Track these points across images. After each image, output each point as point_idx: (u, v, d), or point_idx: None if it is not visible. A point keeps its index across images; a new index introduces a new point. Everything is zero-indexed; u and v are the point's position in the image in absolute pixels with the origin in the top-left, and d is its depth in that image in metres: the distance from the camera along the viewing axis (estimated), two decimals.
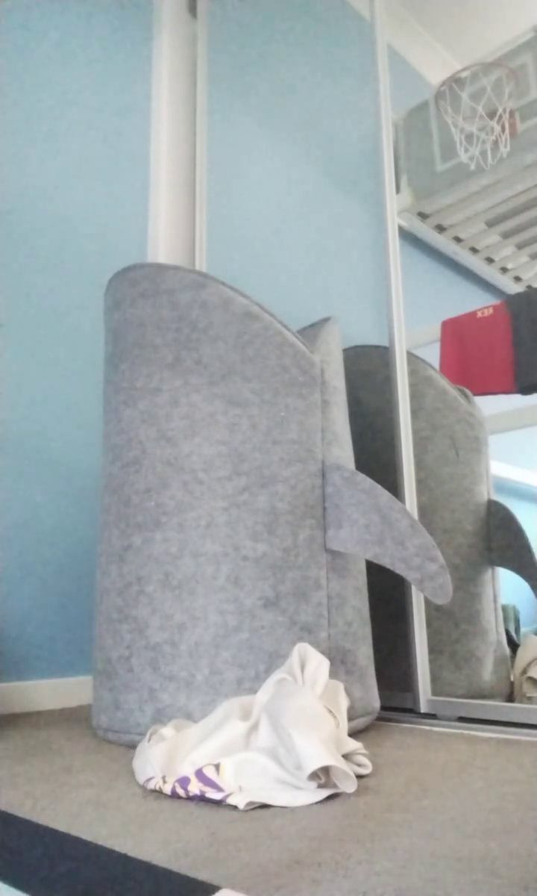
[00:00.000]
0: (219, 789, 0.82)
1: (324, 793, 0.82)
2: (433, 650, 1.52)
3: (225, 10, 2.32)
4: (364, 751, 0.94)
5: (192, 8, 2.31)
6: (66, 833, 0.71)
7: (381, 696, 1.49)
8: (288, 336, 1.28)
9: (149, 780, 0.87)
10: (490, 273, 2.41)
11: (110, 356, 1.36)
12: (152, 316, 1.29)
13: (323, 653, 1.17)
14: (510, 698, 1.62)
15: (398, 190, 2.19)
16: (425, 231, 2.28)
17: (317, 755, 0.81)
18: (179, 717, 1.10)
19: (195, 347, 1.25)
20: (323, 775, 0.84)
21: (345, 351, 1.85)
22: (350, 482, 1.24)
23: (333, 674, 1.18)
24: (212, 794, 0.81)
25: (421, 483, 1.63)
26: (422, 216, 2.24)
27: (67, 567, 1.66)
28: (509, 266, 2.39)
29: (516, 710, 1.25)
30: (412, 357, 1.71)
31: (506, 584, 1.70)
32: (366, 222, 2.56)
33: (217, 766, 0.85)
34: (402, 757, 1.03)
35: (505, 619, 1.72)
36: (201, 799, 0.82)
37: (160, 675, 1.12)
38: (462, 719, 1.32)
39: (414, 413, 1.68)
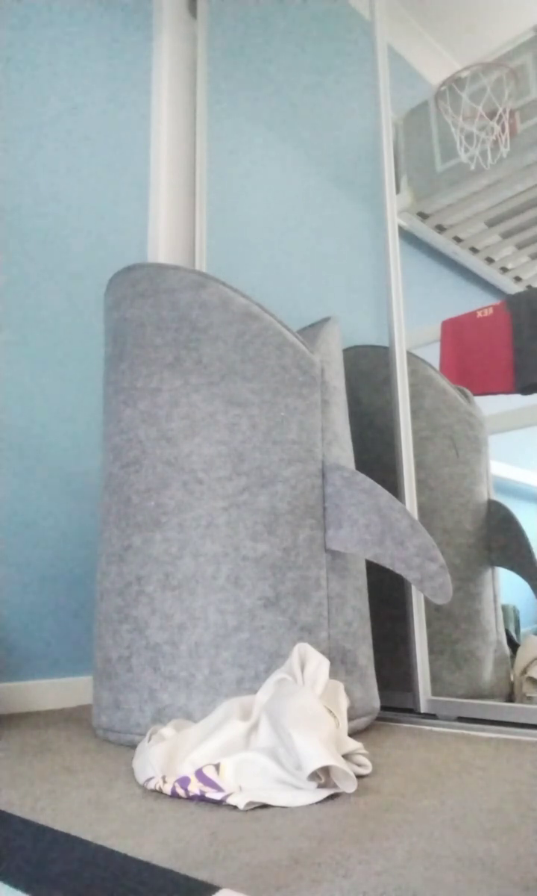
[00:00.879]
0: (219, 789, 0.82)
1: (324, 793, 0.82)
2: (433, 650, 1.52)
3: (225, 10, 2.32)
4: (364, 751, 0.94)
5: (192, 8, 2.31)
6: (66, 833, 0.71)
7: (381, 696, 1.49)
8: (288, 336, 1.28)
9: (149, 780, 0.87)
10: (490, 273, 2.40)
11: (110, 356, 1.36)
12: (152, 316, 1.29)
13: (323, 653, 1.17)
14: (510, 698, 1.62)
15: (398, 190, 2.19)
16: (425, 231, 2.28)
17: (317, 755, 0.81)
18: (179, 717, 1.10)
19: (195, 347, 1.25)
20: (323, 775, 0.84)
21: (345, 351, 1.85)
22: (350, 482, 1.24)
23: (333, 674, 1.18)
24: (212, 794, 0.81)
25: (421, 483, 1.63)
26: (422, 216, 2.23)
27: (67, 567, 1.66)
28: (509, 266, 2.39)
29: (516, 710, 1.25)
30: (412, 357, 1.71)
31: (506, 584, 1.70)
32: (366, 222, 2.56)
33: (217, 766, 0.85)
34: (402, 757, 1.03)
35: (505, 619, 1.72)
36: (201, 799, 0.82)
37: (160, 675, 1.12)
38: (462, 719, 1.32)
39: (414, 413, 1.68)
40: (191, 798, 0.83)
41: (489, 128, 2.00)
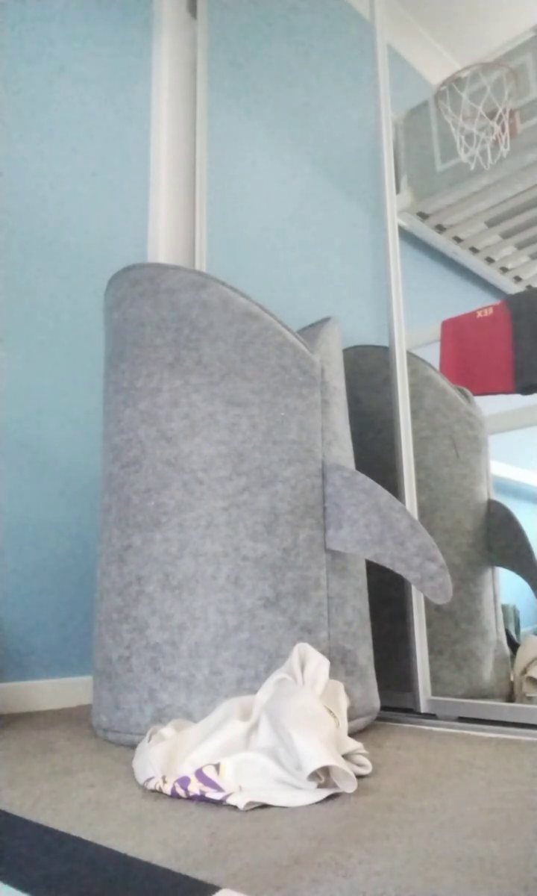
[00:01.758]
0: (219, 789, 0.82)
1: (324, 793, 0.82)
2: (433, 650, 1.52)
3: (225, 10, 2.32)
4: (364, 751, 0.94)
5: (192, 8, 2.31)
6: (66, 833, 0.71)
7: (381, 696, 1.49)
8: (288, 336, 1.28)
9: (149, 780, 0.87)
10: (490, 273, 2.40)
11: (110, 356, 1.36)
12: (152, 316, 1.29)
13: (323, 653, 1.17)
14: (510, 698, 1.62)
15: (398, 190, 2.19)
16: (425, 231, 2.28)
17: (317, 755, 0.81)
18: (179, 717, 1.10)
19: (195, 347, 1.25)
20: (323, 775, 0.84)
21: (345, 351, 1.85)
22: (350, 482, 1.24)
23: (333, 674, 1.18)
24: (212, 794, 0.81)
25: (421, 483, 1.63)
26: (422, 216, 2.23)
27: (67, 567, 1.66)
28: (509, 266, 2.39)
29: (516, 710, 1.25)
30: (412, 357, 1.71)
31: (506, 584, 1.70)
32: (366, 222, 2.56)
33: (217, 766, 0.85)
34: (402, 757, 1.03)
35: (505, 619, 1.72)
36: (201, 799, 0.82)
37: (160, 675, 1.12)
38: (462, 719, 1.32)
39: (415, 413, 1.68)
40: (191, 798, 0.83)
41: (489, 128, 2.00)
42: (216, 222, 2.13)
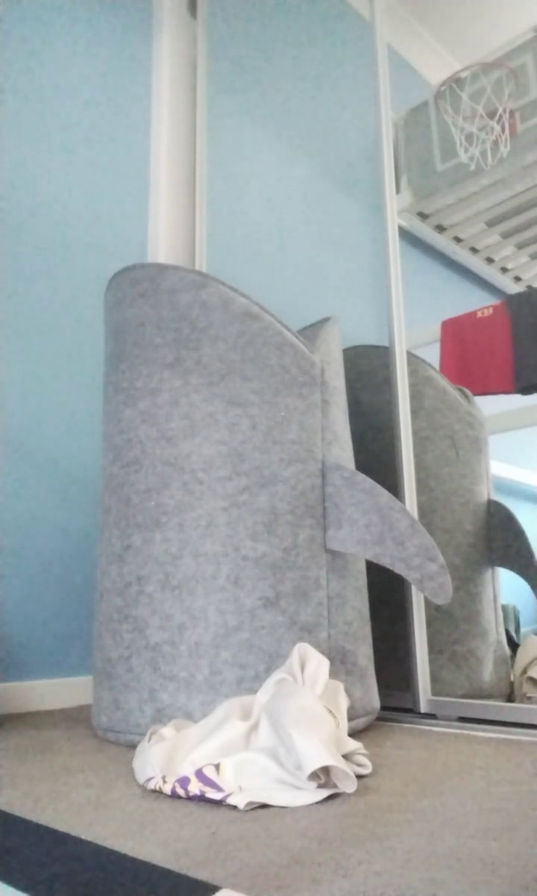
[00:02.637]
0: (219, 789, 0.82)
1: (324, 793, 0.82)
2: (433, 650, 1.52)
3: (225, 10, 2.32)
4: (364, 751, 0.94)
5: (192, 8, 2.31)
6: (66, 833, 0.71)
7: (381, 696, 1.49)
8: (288, 336, 1.28)
9: (149, 780, 0.87)
10: (490, 273, 2.40)
11: (110, 356, 1.36)
12: (152, 316, 1.29)
13: (323, 653, 1.17)
14: (510, 698, 1.62)
15: (398, 190, 2.19)
16: (425, 231, 2.28)
17: (317, 755, 0.81)
18: (179, 717, 1.10)
19: (195, 347, 1.25)
20: (323, 775, 0.84)
21: (345, 351, 1.85)
22: (350, 482, 1.24)
23: (333, 674, 1.18)
24: (212, 794, 0.81)
25: (421, 483, 1.63)
26: (422, 216, 2.23)
27: (67, 567, 1.66)
28: (509, 266, 2.39)
29: (516, 710, 1.25)
30: (412, 357, 1.71)
31: (506, 584, 1.70)
32: (366, 222, 2.56)
33: (217, 766, 0.85)
34: (402, 757, 1.03)
35: (505, 619, 1.72)
36: (201, 799, 0.82)
37: (160, 675, 1.12)
38: (462, 719, 1.32)
39: (415, 413, 1.68)
40: (191, 798, 0.83)
41: (489, 128, 2.00)
42: (216, 222, 2.13)
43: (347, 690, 1.18)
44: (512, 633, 1.77)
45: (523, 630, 1.81)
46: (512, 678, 1.64)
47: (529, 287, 2.42)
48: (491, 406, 1.80)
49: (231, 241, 2.16)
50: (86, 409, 1.77)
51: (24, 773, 0.96)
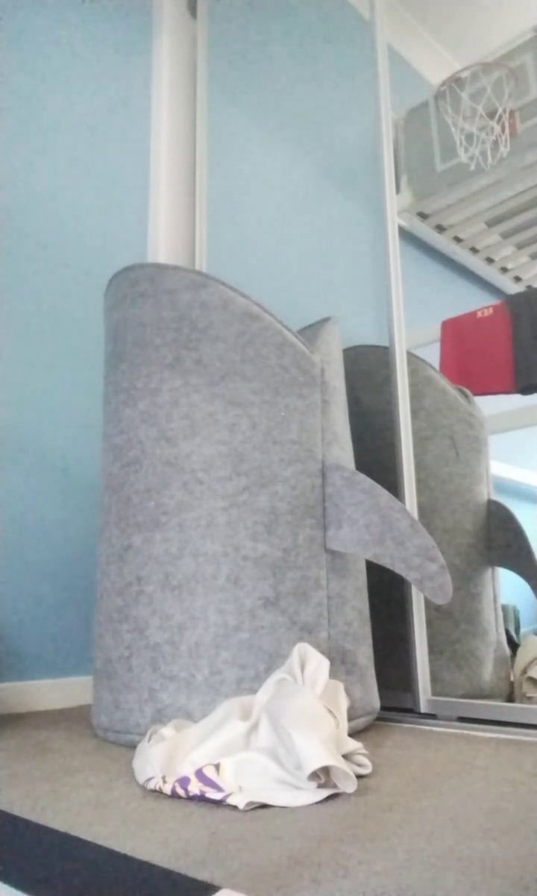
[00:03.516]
0: (219, 789, 0.82)
1: (324, 793, 0.82)
2: (433, 650, 1.52)
3: (225, 10, 2.32)
4: (364, 751, 0.94)
5: (192, 8, 2.31)
6: (66, 833, 0.71)
7: (381, 696, 1.49)
8: (288, 336, 1.28)
9: (149, 780, 0.87)
10: (490, 273, 2.40)
11: (110, 356, 1.36)
12: (152, 316, 1.29)
13: (323, 653, 1.17)
14: (510, 698, 1.62)
15: (398, 190, 2.19)
16: (425, 231, 2.28)
17: (317, 755, 0.81)
18: (179, 717, 1.10)
19: (195, 347, 1.25)
20: (323, 775, 0.84)
21: (345, 351, 1.85)
22: (350, 482, 1.24)
23: (333, 674, 1.18)
24: (212, 794, 0.81)
25: (421, 483, 1.63)
26: (422, 216, 2.23)
27: (67, 567, 1.66)
28: (509, 266, 2.39)
29: (516, 710, 1.25)
30: (412, 357, 1.71)
31: (506, 584, 1.70)
32: (366, 222, 2.56)
33: (217, 766, 0.85)
34: (402, 757, 1.03)
35: (505, 619, 1.72)
36: (201, 799, 0.82)
37: (160, 675, 1.12)
38: (462, 719, 1.32)
39: (415, 413, 1.68)
40: (191, 798, 0.83)
41: (489, 128, 2.00)
42: (216, 222, 2.13)
43: (347, 690, 1.18)
44: (512, 633, 1.77)
45: (523, 630, 1.81)
46: (512, 678, 1.64)
47: (529, 287, 2.42)
48: (491, 406, 1.80)
49: (231, 241, 2.16)
50: (86, 409, 1.77)
51: (24, 773, 0.96)
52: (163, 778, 0.86)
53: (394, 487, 1.52)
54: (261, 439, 1.21)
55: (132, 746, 1.13)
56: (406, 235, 2.27)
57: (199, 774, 0.84)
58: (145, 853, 0.65)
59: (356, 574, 1.30)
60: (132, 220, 2.00)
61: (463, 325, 1.87)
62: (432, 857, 0.62)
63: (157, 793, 0.86)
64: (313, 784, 0.83)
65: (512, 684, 1.64)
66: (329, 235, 2.44)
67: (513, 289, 2.42)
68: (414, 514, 1.49)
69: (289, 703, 0.90)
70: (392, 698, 1.48)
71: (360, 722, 1.21)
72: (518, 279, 2.41)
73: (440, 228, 2.28)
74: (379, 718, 1.38)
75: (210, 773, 0.84)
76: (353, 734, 1.20)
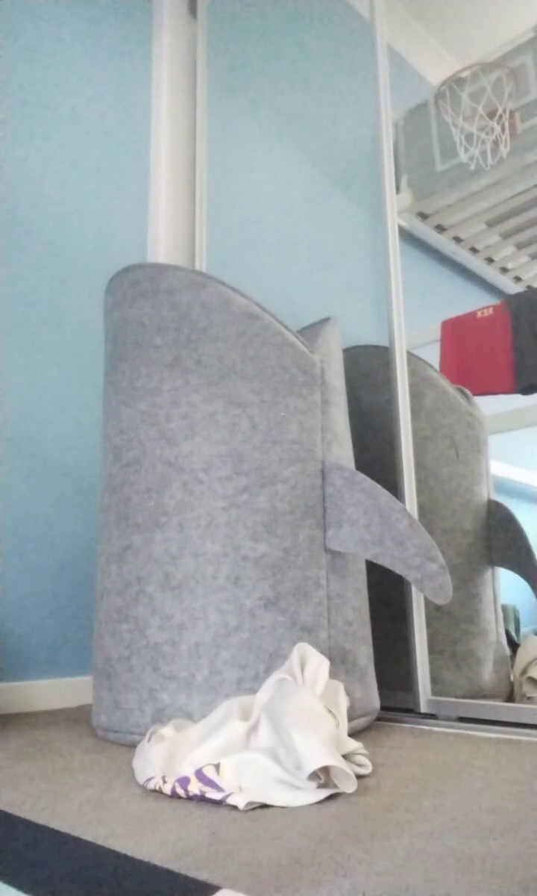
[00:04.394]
0: (219, 789, 0.82)
1: (324, 793, 0.82)
2: (433, 650, 1.52)
3: (225, 10, 2.32)
4: (364, 751, 0.94)
5: (192, 8, 2.31)
6: (66, 833, 0.71)
7: (381, 696, 1.49)
8: (288, 336, 1.28)
9: (149, 780, 0.87)
10: (490, 273, 2.40)
11: (110, 356, 1.36)
12: (152, 316, 1.29)
13: (323, 653, 1.17)
14: (510, 698, 1.62)
15: (398, 190, 2.19)
16: (425, 231, 2.28)
17: (317, 755, 0.81)
18: (179, 717, 1.10)
19: (195, 347, 1.25)
20: (323, 775, 0.84)
21: (345, 351, 1.85)
22: (350, 482, 1.24)
23: (333, 674, 1.18)
24: (212, 794, 0.81)
25: (421, 483, 1.63)
26: (422, 216, 2.23)
27: (67, 567, 1.66)
28: (509, 266, 2.39)
29: (516, 710, 1.25)
30: (412, 357, 1.71)
31: (506, 584, 1.70)
32: (366, 222, 2.56)
33: (217, 766, 0.85)
34: (402, 757, 1.03)
35: (505, 619, 1.72)
36: (201, 799, 0.82)
37: (160, 675, 1.12)
38: (462, 719, 1.32)
39: (415, 413, 1.68)
40: (191, 798, 0.83)
41: (489, 128, 2.00)
42: (216, 222, 2.13)
43: (347, 690, 1.18)
44: (512, 633, 1.77)
45: (523, 630, 1.81)
46: (512, 678, 1.64)
47: (529, 287, 2.42)
48: (491, 406, 1.79)
49: (231, 241, 2.16)
50: (86, 409, 1.77)
51: (24, 773, 0.96)
52: (163, 778, 0.86)
53: (394, 487, 1.52)
54: (261, 439, 1.21)
55: (132, 746, 1.13)
56: (406, 235, 2.27)
57: (199, 774, 0.84)
58: (145, 853, 0.65)
59: (356, 574, 1.30)
60: (132, 221, 2.00)
61: (463, 325, 1.87)
62: (432, 857, 0.62)
63: (157, 793, 0.86)
64: (313, 784, 0.83)
65: (512, 684, 1.64)
66: (329, 235, 2.44)
67: (513, 289, 2.42)
68: (415, 514, 1.49)
69: (289, 703, 0.90)
70: (392, 698, 1.48)
71: (360, 722, 1.21)
72: (518, 279, 2.41)
73: (440, 228, 2.28)
74: (379, 718, 1.38)
75: (210, 773, 0.84)
76: (353, 734, 1.20)
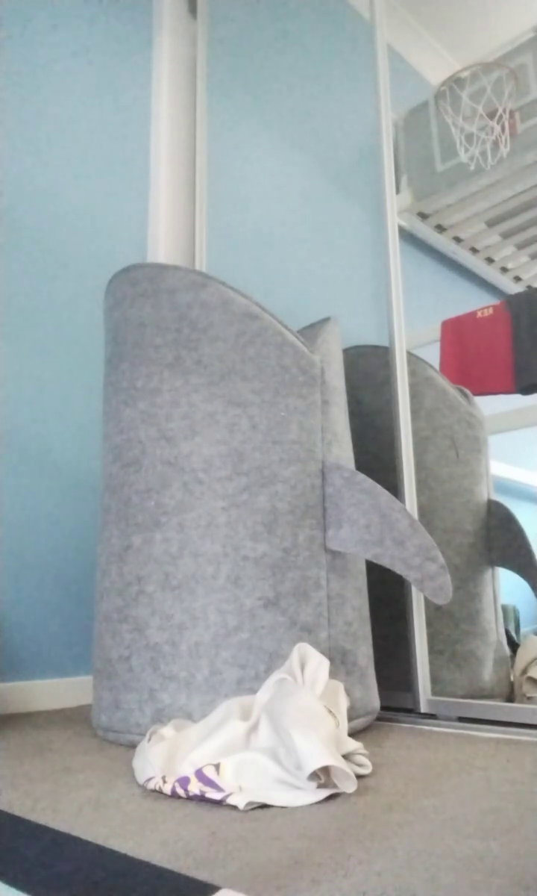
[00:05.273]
0: (219, 789, 0.82)
1: (324, 793, 0.82)
2: (433, 650, 1.52)
3: (225, 10, 2.32)
4: (364, 751, 0.94)
5: (192, 8, 2.31)
6: (66, 833, 0.71)
7: (381, 696, 1.49)
8: (288, 336, 1.28)
9: (149, 780, 0.87)
10: (490, 273, 2.40)
11: (110, 356, 1.36)
12: (152, 316, 1.29)
13: (323, 653, 1.17)
14: (510, 698, 1.62)
15: (398, 190, 2.19)
16: (425, 231, 2.28)
17: (317, 755, 0.81)
18: (179, 717, 1.10)
19: (195, 347, 1.25)
20: (323, 775, 0.84)
21: (345, 351, 1.85)
22: (350, 482, 1.24)
23: (333, 674, 1.18)
24: (212, 794, 0.81)
25: (421, 483, 1.63)
26: (422, 216, 2.23)
27: (67, 567, 1.66)
28: (509, 266, 2.39)
29: (516, 710, 1.25)
30: (412, 357, 1.71)
31: (506, 584, 1.70)
32: (366, 222, 2.56)
33: (217, 766, 0.85)
34: (402, 757, 1.03)
35: (505, 619, 1.72)
36: (201, 799, 0.82)
37: (160, 675, 1.12)
38: (462, 719, 1.32)
39: (415, 413, 1.68)
40: (191, 798, 0.83)
41: (489, 128, 2.00)
42: (216, 222, 2.13)
43: (347, 690, 1.18)
44: (512, 633, 1.77)
45: (523, 630, 1.81)
46: (512, 678, 1.64)
47: (529, 287, 2.42)
48: (491, 406, 1.80)
49: (231, 241, 2.16)
50: (86, 409, 1.77)
51: (24, 773, 0.96)
52: (163, 778, 0.86)
53: (394, 487, 1.52)
54: (261, 439, 1.21)
55: (132, 746, 1.13)
56: (406, 235, 2.27)
57: (199, 774, 0.84)
58: (145, 853, 0.65)
59: (356, 574, 1.30)
60: (132, 221, 2.00)
61: (463, 325, 1.87)
62: (432, 857, 0.62)
63: (157, 793, 0.86)
64: (313, 784, 0.83)
65: (512, 684, 1.64)
66: (329, 235, 2.44)
67: (513, 289, 2.42)
68: (415, 514, 1.49)
69: (289, 703, 0.90)
70: (392, 698, 1.48)
71: (360, 722, 1.21)
72: (518, 279, 2.41)
73: (440, 228, 2.28)
74: (379, 718, 1.38)
75: (210, 773, 0.84)
76: (353, 734, 1.20)
